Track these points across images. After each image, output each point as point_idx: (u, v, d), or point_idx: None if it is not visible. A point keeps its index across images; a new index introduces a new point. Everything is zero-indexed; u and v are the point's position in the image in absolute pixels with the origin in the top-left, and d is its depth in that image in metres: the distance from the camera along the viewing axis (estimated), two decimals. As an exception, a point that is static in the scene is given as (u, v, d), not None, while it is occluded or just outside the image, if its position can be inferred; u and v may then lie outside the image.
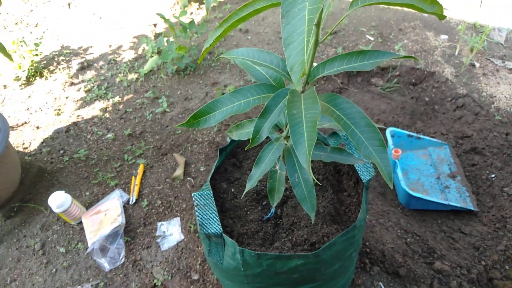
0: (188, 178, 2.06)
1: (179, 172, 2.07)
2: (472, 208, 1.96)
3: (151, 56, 2.83)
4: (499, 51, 2.96)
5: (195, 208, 1.21)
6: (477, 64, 2.80)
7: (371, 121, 0.74)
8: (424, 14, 3.25)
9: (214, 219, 1.20)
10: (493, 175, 2.10)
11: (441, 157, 2.23)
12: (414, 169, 2.22)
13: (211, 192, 1.23)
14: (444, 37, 3.00)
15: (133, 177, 2.07)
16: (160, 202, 1.96)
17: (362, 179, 1.32)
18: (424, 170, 2.20)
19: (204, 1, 3.38)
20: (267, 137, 1.50)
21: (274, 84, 0.92)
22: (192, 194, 1.23)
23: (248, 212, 1.36)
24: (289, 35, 0.52)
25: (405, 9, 3.32)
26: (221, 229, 1.17)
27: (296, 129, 0.68)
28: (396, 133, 2.23)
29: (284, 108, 0.78)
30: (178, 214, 1.91)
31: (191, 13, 3.30)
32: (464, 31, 3.03)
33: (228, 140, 2.22)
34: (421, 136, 2.24)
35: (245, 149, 0.95)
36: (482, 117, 2.44)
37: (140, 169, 2.11)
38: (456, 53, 2.87)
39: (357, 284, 1.64)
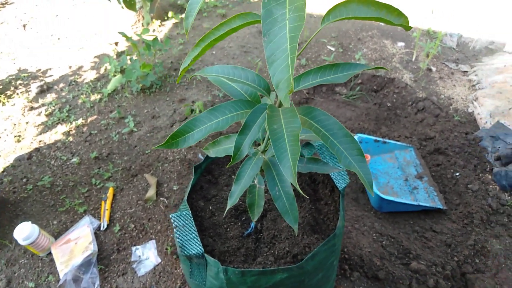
0: (161, 199, 2.01)
1: (151, 193, 2.01)
2: (441, 207, 2.03)
3: (114, 75, 2.76)
4: (452, 55, 3.13)
5: (174, 230, 1.18)
6: (434, 69, 2.95)
7: (348, 132, 0.75)
8: (381, 24, 3.39)
9: (195, 239, 1.17)
10: (457, 173, 2.20)
11: (407, 159, 2.31)
12: (382, 172, 2.28)
13: (190, 211, 1.21)
14: (401, 44, 3.14)
15: (102, 202, 2.00)
16: (133, 225, 1.90)
17: (338, 187, 1.34)
18: (392, 173, 2.27)
19: (166, 18, 3.36)
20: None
21: (250, 99, 0.92)
22: (170, 216, 1.19)
23: (228, 229, 1.35)
24: (272, 53, 0.52)
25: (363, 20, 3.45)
26: (203, 249, 1.15)
27: (278, 143, 0.68)
28: (364, 139, 2.29)
29: (263, 124, 0.78)
30: (153, 237, 1.85)
31: (154, 30, 3.27)
32: (419, 37, 3.18)
33: (201, 157, 2.20)
34: (387, 141, 2.32)
35: (227, 166, 0.94)
36: (442, 119, 2.56)
37: (110, 193, 2.03)
38: (413, 59, 3.01)
39: (339, 291, 1.65)
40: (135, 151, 2.29)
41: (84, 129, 2.48)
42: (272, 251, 1.28)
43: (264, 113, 0.79)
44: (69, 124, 2.51)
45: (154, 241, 1.83)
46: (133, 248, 1.80)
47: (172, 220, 1.19)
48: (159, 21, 3.31)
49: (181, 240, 1.16)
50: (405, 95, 2.77)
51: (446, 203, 2.09)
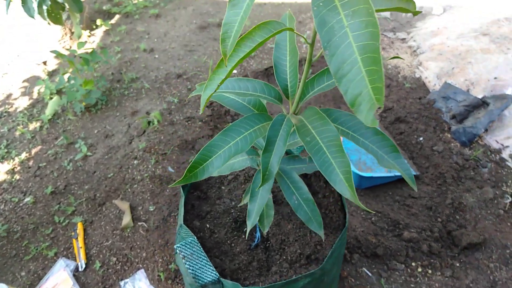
0: (139, 223, 1.86)
1: (126, 219, 1.86)
2: (414, 173, 2.11)
3: (51, 98, 2.50)
4: (388, 25, 3.24)
5: (183, 261, 1.08)
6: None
7: (378, 129, 0.71)
8: (316, 3, 3.41)
9: (207, 266, 1.09)
10: (420, 138, 2.29)
11: (373, 133, 2.36)
12: (352, 150, 2.31)
13: (195, 237, 1.11)
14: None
15: (73, 240, 1.81)
16: (115, 259, 1.74)
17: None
18: (362, 149, 2.31)
19: (94, 27, 3.09)
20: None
21: (256, 110, 0.84)
22: (175, 247, 1.09)
23: (233, 245, 1.27)
24: (338, 67, 0.45)
25: (299, 1, 3.45)
26: (217, 274, 1.07)
27: (319, 157, 0.62)
28: None
29: (287, 137, 0.71)
30: (141, 266, 1.72)
31: (85, 42, 2.99)
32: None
33: (171, 169, 2.07)
34: (352, 118, 2.35)
35: (257, 189, 0.85)
36: (394, 88, 2.65)
37: (79, 228, 1.85)
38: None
39: (344, 277, 1.65)
40: (95, 178, 2.10)
41: (30, 163, 2.22)
42: (284, 257, 1.23)
43: (284, 125, 0.72)
44: (11, 160, 2.23)
45: (142, 270, 1.69)
46: (121, 283, 1.66)
47: (178, 251, 1.09)
48: (88, 31, 3.03)
49: (192, 270, 1.07)
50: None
51: (417, 168, 2.17)
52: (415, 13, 0.70)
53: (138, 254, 1.75)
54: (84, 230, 1.86)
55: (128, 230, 1.84)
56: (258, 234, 1.27)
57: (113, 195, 2.00)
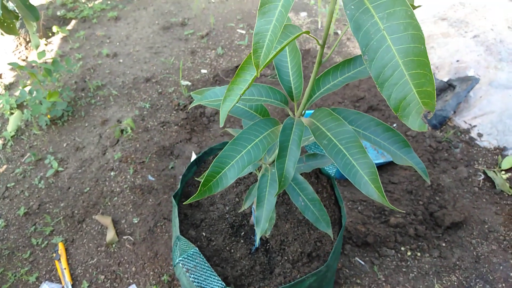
0: (124, 237, 1.79)
1: (110, 234, 1.78)
2: (392, 159, 2.16)
3: (11, 113, 2.34)
4: (350, 16, 3.30)
5: (187, 274, 1.04)
6: (339, 31, 3.08)
7: (387, 125, 0.71)
8: (278, -3, 3.41)
9: (212, 276, 1.06)
10: (394, 125, 2.36)
11: (348, 123, 2.40)
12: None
13: (196, 248, 1.08)
14: (303, 14, 3.21)
15: (56, 262, 1.71)
16: (103, 276, 1.67)
17: (330, 173, 1.31)
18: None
19: (50, 34, 2.92)
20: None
21: (258, 114, 0.82)
22: (178, 260, 1.05)
23: (232, 251, 1.24)
24: (380, 72, 0.44)
25: (260, -4, 3.43)
26: (223, 283, 1.04)
27: (340, 160, 0.61)
28: (307, 114, 2.31)
29: (299, 141, 0.69)
30: (131, 281, 1.65)
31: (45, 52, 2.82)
32: (320, 5, 3.28)
33: (151, 178, 2.00)
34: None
35: (274, 196, 0.82)
36: (364, 78, 2.71)
37: (61, 249, 1.75)
38: (319, 26, 3.10)
39: (338, 268, 1.67)
40: (70, 194, 1.99)
41: (-4, 184, 2.07)
42: (286, 257, 1.22)
43: (295, 129, 0.70)
44: (-26, 184, 2.07)
45: (134, 285, 1.63)
46: (113, 301, 1.59)
47: (181, 265, 1.05)
48: (44, 39, 2.86)
49: (198, 282, 1.04)
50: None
51: (394, 154, 2.23)
52: (413, 7, 0.70)
53: (127, 269, 1.69)
54: (66, 249, 1.76)
55: (114, 245, 1.76)
56: (257, 236, 1.25)
57: (92, 211, 1.91)
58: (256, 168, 1.07)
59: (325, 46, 2.71)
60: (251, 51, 0.45)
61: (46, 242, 1.80)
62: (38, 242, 1.80)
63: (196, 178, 1.06)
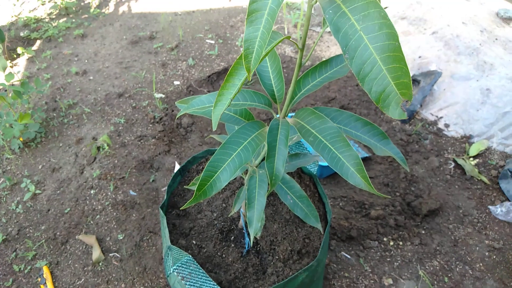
0: (111, 254, 1.77)
1: (96, 253, 1.75)
2: (366, 155, 2.25)
3: (-20, 139, 2.27)
4: (314, 20, 3.40)
5: (183, 282, 1.06)
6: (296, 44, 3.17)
7: (366, 120, 0.76)
8: (244, 6, 3.47)
9: (207, 281, 1.08)
10: (366, 122, 2.44)
11: (323, 123, 2.47)
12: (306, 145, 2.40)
13: (189, 255, 1.09)
14: (270, 21, 3.28)
15: (41, 286, 1.67)
16: (92, 296, 1.64)
17: (312, 172, 1.36)
18: (315, 140, 2.41)
19: (15, 55, 2.84)
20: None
21: (241, 118, 0.85)
22: (172, 269, 1.06)
23: (224, 255, 1.26)
24: (360, 68, 0.48)
25: (226, 5, 3.48)
26: (219, 287, 1.06)
27: (327, 155, 0.65)
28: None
29: (286, 140, 0.73)
30: (122, 297, 1.64)
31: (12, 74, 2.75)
32: (284, 12, 3.36)
33: (132, 193, 1.99)
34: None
35: (264, 195, 0.85)
36: (341, 77, 2.79)
37: (46, 272, 1.71)
38: (286, 32, 3.18)
39: (326, 264, 1.72)
40: (51, 216, 1.95)
41: (-30, 214, 2.00)
42: (277, 257, 1.25)
43: (281, 129, 0.74)
44: None
45: (125, 302, 1.62)
46: (105, 320, 1.57)
47: (176, 273, 1.06)
48: (9, 61, 2.79)
49: (194, 289, 1.05)
50: (292, 67, 2.92)
51: (368, 150, 2.32)
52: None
53: (117, 287, 1.67)
54: (51, 273, 1.72)
55: (100, 264, 1.74)
56: (247, 239, 1.28)
57: (75, 231, 1.87)
58: (243, 172, 1.10)
59: (295, 52, 2.77)
60: (242, 56, 0.49)
61: (29, 267, 1.75)
62: (20, 268, 1.75)
63: (185, 187, 1.07)
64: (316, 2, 0.59)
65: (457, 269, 1.73)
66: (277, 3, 0.49)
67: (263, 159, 0.98)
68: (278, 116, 0.79)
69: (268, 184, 0.92)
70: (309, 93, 0.79)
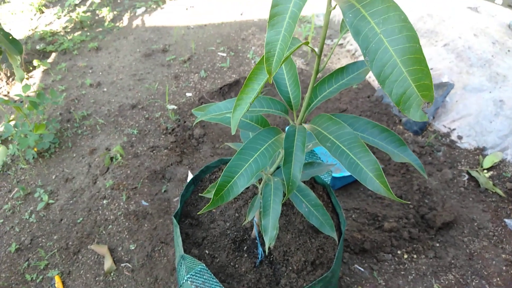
0: (122, 265, 1.77)
1: (108, 263, 1.75)
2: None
3: (-4, 149, 2.30)
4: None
5: (196, 291, 1.05)
6: (316, 49, 3.19)
7: (383, 126, 0.76)
8: (255, 20, 3.52)
9: (221, 290, 1.07)
10: (378, 133, 2.43)
11: (334, 135, 2.47)
12: (321, 154, 2.39)
13: (203, 264, 1.09)
14: (281, 34, 3.31)
15: (53, 296, 1.67)
16: (103, 306, 1.64)
17: (326, 181, 1.35)
18: (326, 152, 2.40)
19: (31, 67, 2.91)
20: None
21: (257, 125, 0.86)
22: (186, 278, 1.06)
23: (237, 266, 1.25)
24: (380, 71, 0.48)
25: (237, 19, 3.53)
26: (233, 297, 1.05)
27: (345, 160, 0.65)
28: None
29: (303, 146, 0.73)
30: (133, 308, 1.63)
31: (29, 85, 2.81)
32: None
33: (144, 203, 2.00)
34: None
35: (280, 202, 0.85)
36: (344, 91, 2.80)
37: (57, 282, 1.71)
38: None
39: (339, 277, 1.69)
40: (63, 225, 1.96)
41: (-16, 223, 2.02)
42: (290, 268, 1.24)
43: (297, 135, 0.74)
44: (-39, 224, 2.01)
45: (136, 312, 1.61)
46: (116, 331, 1.56)
47: (189, 282, 1.05)
48: (25, 73, 2.86)
49: (207, 298, 1.04)
50: (304, 79, 2.94)
51: (380, 162, 2.30)
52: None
53: (128, 297, 1.66)
54: (63, 282, 1.72)
55: (112, 274, 1.73)
56: (260, 250, 1.27)
57: (87, 241, 1.88)
58: (257, 181, 1.10)
59: (306, 64, 2.78)
60: (264, 59, 0.49)
61: (41, 277, 1.76)
62: (32, 278, 1.75)
63: (200, 194, 1.08)
64: (334, 8, 0.59)
65: (473, 283, 1.68)
66: (299, 7, 0.50)
67: (278, 167, 0.98)
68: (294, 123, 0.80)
69: (284, 192, 0.92)
70: (325, 100, 0.79)
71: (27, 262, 1.82)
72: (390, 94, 0.50)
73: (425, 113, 0.49)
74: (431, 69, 2.62)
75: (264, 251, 1.25)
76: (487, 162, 2.17)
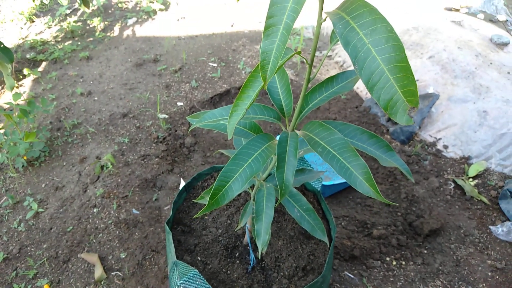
0: (113, 273, 1.76)
1: (98, 272, 1.75)
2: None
3: (-16, 158, 2.28)
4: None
5: (189, 296, 1.06)
6: (305, 60, 3.25)
7: (371, 132, 0.80)
8: (246, 31, 3.57)
9: (214, 296, 1.08)
10: (366, 143, 2.48)
11: (324, 144, 2.51)
12: (310, 162, 2.43)
13: (196, 270, 1.10)
14: (271, 45, 3.37)
15: (41, 306, 1.65)
16: (93, 315, 1.62)
17: (316, 188, 1.38)
18: (316, 160, 2.44)
19: (21, 76, 2.90)
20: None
21: (250, 131, 0.88)
22: (179, 284, 1.07)
23: (229, 272, 1.27)
24: (369, 78, 0.52)
25: (228, 30, 3.58)
26: (226, 302, 1.06)
27: (335, 164, 0.68)
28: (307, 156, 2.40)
29: (295, 151, 0.76)
30: (123, 317, 1.62)
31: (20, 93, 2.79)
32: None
33: (135, 211, 2.00)
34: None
35: (273, 207, 0.87)
36: (333, 101, 2.85)
37: (46, 292, 1.69)
38: (287, 55, 3.26)
39: (329, 284, 1.71)
40: (53, 234, 1.94)
41: (-29, 232, 1.99)
42: (282, 273, 1.26)
43: (290, 141, 0.77)
44: None
45: (126, 321, 1.60)
46: None
47: None
48: (15, 81, 2.84)
49: (200, 303, 1.05)
50: (293, 89, 2.98)
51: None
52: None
53: (118, 306, 1.65)
54: (52, 292, 1.71)
55: (102, 283, 1.72)
56: (252, 256, 1.28)
57: (77, 249, 1.87)
58: (249, 187, 1.12)
59: (296, 75, 2.83)
60: (259, 67, 0.52)
61: (29, 286, 1.74)
62: (21, 287, 1.73)
63: (194, 200, 1.09)
64: (325, 20, 0.63)
65: (460, 289, 1.72)
66: (292, 18, 0.53)
67: (270, 174, 1.01)
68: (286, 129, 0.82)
69: (276, 197, 0.94)
70: (316, 107, 0.82)
71: (15, 272, 1.80)
72: (378, 100, 0.54)
73: (411, 117, 0.52)
74: (417, 80, 2.69)
75: (257, 257, 1.27)
76: (472, 171, 2.23)
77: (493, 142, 2.29)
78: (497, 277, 1.76)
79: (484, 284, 1.74)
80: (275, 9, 0.54)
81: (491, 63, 2.64)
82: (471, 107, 2.41)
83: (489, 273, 1.78)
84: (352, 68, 3.10)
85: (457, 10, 3.48)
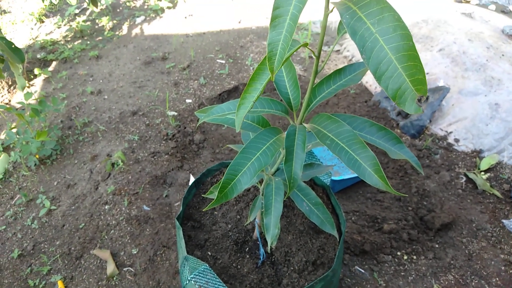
0: (125, 269, 1.78)
1: (110, 267, 1.77)
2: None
3: (-3, 157, 2.32)
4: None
5: (200, 290, 1.07)
6: (312, 53, 3.23)
7: (380, 125, 0.79)
8: (253, 28, 3.57)
9: (224, 290, 1.08)
10: (376, 137, 2.46)
11: (333, 139, 2.50)
12: (319, 157, 2.42)
13: (206, 264, 1.10)
14: (279, 41, 3.36)
15: (56, 301, 1.68)
16: (106, 310, 1.65)
17: (325, 182, 1.38)
18: (325, 156, 2.43)
19: (32, 76, 2.94)
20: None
21: (258, 125, 0.88)
22: (189, 278, 1.08)
23: (239, 267, 1.27)
24: (376, 67, 0.51)
25: (236, 27, 3.58)
26: (236, 296, 1.07)
27: (344, 156, 0.68)
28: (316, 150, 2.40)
29: (303, 145, 0.76)
30: (135, 312, 1.64)
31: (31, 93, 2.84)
32: (292, 31, 3.44)
33: (146, 208, 2.02)
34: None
35: (281, 200, 0.87)
36: (342, 96, 2.84)
37: (60, 287, 1.72)
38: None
39: (340, 279, 1.71)
40: (65, 231, 1.97)
41: (-14, 229, 2.03)
42: (292, 268, 1.26)
43: (298, 134, 0.77)
44: (-36, 231, 2.03)
45: (138, 316, 1.62)
46: (119, 335, 1.56)
47: (193, 282, 1.07)
48: (26, 81, 2.89)
49: (211, 297, 1.06)
50: (302, 84, 2.97)
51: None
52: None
53: (131, 301, 1.67)
54: (66, 287, 1.73)
55: (115, 278, 1.75)
56: (262, 250, 1.29)
57: (89, 246, 1.89)
58: (258, 182, 1.12)
59: (304, 70, 2.82)
60: (266, 59, 0.52)
61: (43, 282, 1.77)
62: (35, 283, 1.76)
63: (203, 195, 1.10)
64: (331, 11, 0.62)
65: (473, 283, 1.70)
66: (298, 9, 0.53)
67: (278, 169, 1.01)
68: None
69: (285, 191, 0.94)
70: (324, 100, 0.82)
71: (29, 268, 1.83)
72: (386, 89, 0.53)
73: (420, 106, 0.52)
74: (427, 73, 2.66)
75: (266, 251, 1.27)
76: (484, 164, 2.20)
77: (506, 135, 2.25)
78: (510, 271, 1.74)
79: (497, 279, 1.72)
80: (281, 0, 0.54)
81: (503, 55, 2.60)
82: (483, 100, 2.38)
83: (502, 267, 1.76)
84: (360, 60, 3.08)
85: (468, 1, 3.43)
